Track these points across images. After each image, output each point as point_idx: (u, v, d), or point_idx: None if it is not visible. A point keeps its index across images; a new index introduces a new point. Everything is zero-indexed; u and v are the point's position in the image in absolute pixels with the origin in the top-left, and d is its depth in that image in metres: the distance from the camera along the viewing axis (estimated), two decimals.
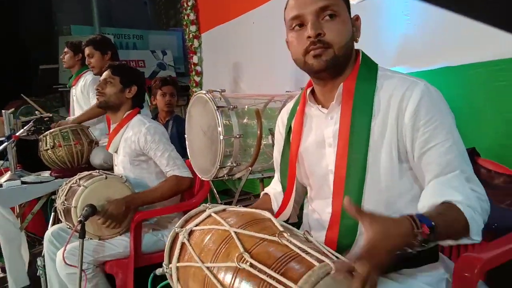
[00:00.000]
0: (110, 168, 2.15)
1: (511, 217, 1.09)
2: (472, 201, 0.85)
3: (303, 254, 0.74)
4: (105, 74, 1.98)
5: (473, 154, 1.30)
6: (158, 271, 1.05)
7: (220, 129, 1.43)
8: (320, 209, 1.09)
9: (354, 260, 0.66)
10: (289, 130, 1.16)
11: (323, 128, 1.05)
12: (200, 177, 1.64)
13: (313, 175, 1.10)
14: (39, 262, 1.98)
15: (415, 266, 0.95)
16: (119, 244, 1.77)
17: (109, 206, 1.69)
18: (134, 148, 1.88)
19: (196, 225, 0.95)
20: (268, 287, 0.70)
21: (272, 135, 1.65)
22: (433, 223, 0.75)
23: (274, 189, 1.27)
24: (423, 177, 0.94)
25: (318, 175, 1.08)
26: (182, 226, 0.99)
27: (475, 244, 1.12)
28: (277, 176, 1.28)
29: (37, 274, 2.02)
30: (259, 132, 1.48)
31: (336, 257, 0.74)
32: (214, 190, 1.90)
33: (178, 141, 2.54)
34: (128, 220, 1.76)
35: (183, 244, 0.93)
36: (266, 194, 1.29)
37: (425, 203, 0.88)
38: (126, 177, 1.87)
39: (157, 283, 1.08)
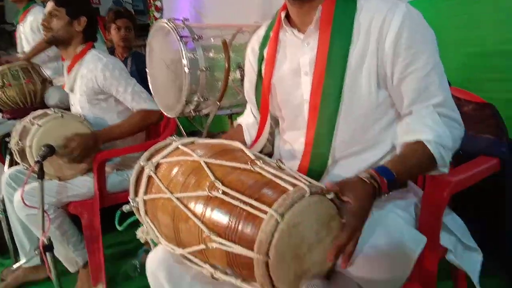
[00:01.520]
0: (67, 109, 2.02)
1: (478, 143, 1.11)
2: (442, 138, 0.87)
3: (277, 180, 0.71)
4: (49, 6, 1.77)
5: None
6: (125, 208, 1.00)
7: (185, 61, 1.33)
8: (293, 140, 1.06)
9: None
10: (261, 60, 1.09)
11: (299, 55, 0.98)
12: (166, 114, 1.56)
13: (286, 106, 1.06)
14: None
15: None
16: (82, 185, 1.71)
17: (74, 141, 1.60)
18: (92, 87, 1.75)
19: (163, 158, 0.90)
20: (242, 213, 0.68)
21: (241, 69, 1.57)
22: (394, 174, 0.80)
23: (246, 120, 1.23)
24: (400, 102, 0.93)
25: (293, 105, 1.03)
26: (148, 159, 0.93)
27: None
28: (249, 107, 1.23)
29: None
30: (226, 64, 1.39)
31: (310, 182, 0.72)
32: (182, 128, 1.83)
33: (140, 80, 2.40)
34: (90, 160, 1.68)
35: (149, 177, 0.88)
36: (239, 125, 1.25)
37: (399, 140, 0.92)
38: (85, 116, 1.76)
39: (125, 220, 1.05)
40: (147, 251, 1.94)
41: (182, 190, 0.79)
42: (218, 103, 1.38)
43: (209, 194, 0.72)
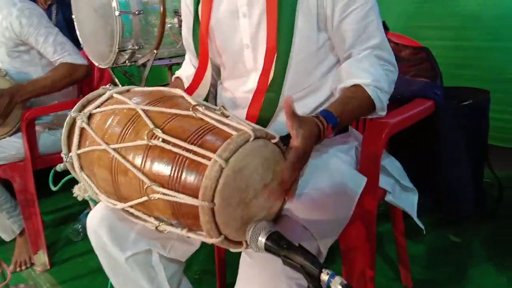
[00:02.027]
0: None
1: (414, 86, 1.15)
2: (380, 81, 0.88)
3: (220, 126, 0.68)
4: None
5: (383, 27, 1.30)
6: (59, 167, 0.93)
7: (114, 4, 1.21)
8: (234, 88, 1.03)
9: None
10: (197, 1, 1.01)
11: None
12: (97, 65, 1.43)
13: (225, 52, 1.01)
14: None
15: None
16: (10, 146, 1.57)
17: None
18: (9, 36, 1.56)
19: (97, 107, 0.83)
20: (185, 161, 0.64)
21: (178, 14, 1.47)
22: (337, 119, 0.79)
23: (186, 72, 1.16)
24: (340, 45, 0.92)
25: (232, 51, 0.98)
26: (80, 111, 0.85)
27: None
28: (188, 57, 1.16)
29: None
30: (162, 8, 1.29)
31: (253, 127, 0.70)
32: (117, 81, 1.70)
33: (67, 30, 2.18)
34: (16, 117, 1.53)
35: (82, 129, 0.81)
36: (177, 77, 1.17)
37: (338, 84, 0.91)
38: (6, 71, 1.58)
39: (60, 181, 0.98)
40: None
41: (119, 140, 0.73)
42: (155, 51, 1.28)
43: (149, 143, 0.68)
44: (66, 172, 0.91)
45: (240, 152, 0.62)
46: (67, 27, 2.29)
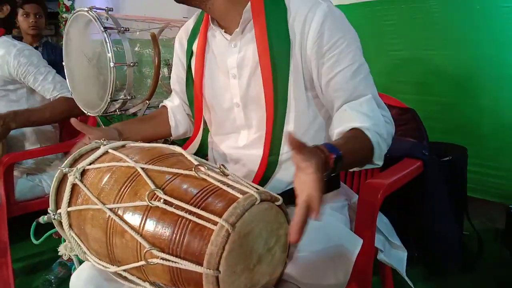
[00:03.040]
0: None
1: (402, 145, 1.18)
2: (380, 127, 0.84)
3: (224, 187, 0.67)
4: None
5: None
6: (42, 219, 0.88)
7: (109, 55, 1.22)
8: (224, 145, 1.03)
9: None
10: (190, 54, 1.03)
11: (226, 56, 0.94)
12: (86, 112, 1.41)
13: (214, 109, 1.02)
14: None
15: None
16: None
17: None
18: (1, 75, 1.56)
19: (91, 163, 0.80)
20: (188, 224, 0.62)
21: (169, 66, 1.49)
22: (340, 152, 0.72)
23: (172, 102, 1.17)
24: (331, 105, 0.91)
25: (221, 108, 0.99)
26: (71, 166, 0.83)
27: (372, 170, 1.21)
28: (174, 93, 1.17)
29: None
30: (157, 59, 1.31)
31: (257, 188, 0.69)
32: (102, 126, 1.68)
33: None
34: None
35: (74, 185, 0.78)
36: (163, 106, 1.18)
37: (337, 128, 0.86)
38: None
39: (40, 232, 0.92)
40: (62, 264, 1.77)
41: (116, 200, 0.71)
42: (147, 102, 1.29)
43: (149, 204, 0.66)
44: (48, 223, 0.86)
45: (246, 216, 0.61)
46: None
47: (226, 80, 0.96)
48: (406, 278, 1.05)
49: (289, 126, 0.92)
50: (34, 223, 0.92)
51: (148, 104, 1.31)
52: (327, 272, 0.80)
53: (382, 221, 1.10)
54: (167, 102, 1.18)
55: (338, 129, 0.85)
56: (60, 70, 1.67)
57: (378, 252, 1.03)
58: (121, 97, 1.23)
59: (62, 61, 1.52)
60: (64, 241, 0.85)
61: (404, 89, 2.07)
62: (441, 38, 1.94)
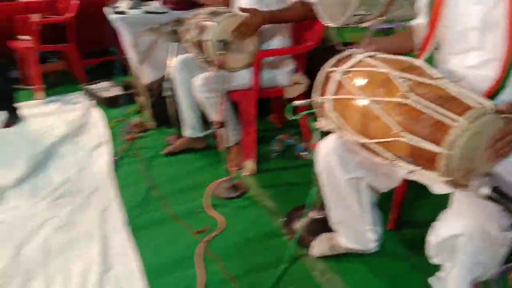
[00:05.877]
0: None
1: None
2: None
3: (461, 97, 0.89)
4: None
5: None
6: (300, 103, 1.26)
7: None
8: (452, 63, 1.15)
9: None
10: None
11: None
12: (326, 23, 1.69)
13: (449, 29, 1.14)
14: (166, 85, 2.29)
15: None
16: (243, 77, 2.02)
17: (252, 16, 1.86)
18: None
19: (352, 67, 1.10)
20: (432, 119, 0.88)
21: None
22: None
23: (417, 21, 1.29)
24: None
25: (455, 30, 1.12)
26: (334, 66, 1.14)
27: None
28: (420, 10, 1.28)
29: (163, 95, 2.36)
30: None
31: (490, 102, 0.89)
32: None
33: None
34: (251, 54, 1.95)
35: (339, 82, 1.10)
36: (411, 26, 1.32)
37: None
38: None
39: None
40: (279, 140, 2.31)
41: (372, 96, 1.01)
42: (382, 17, 1.49)
43: (403, 100, 0.93)
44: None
45: (483, 119, 0.84)
46: None
47: (466, 4, 1.09)
48: None
49: None
50: (290, 105, 1.28)
51: (382, 19, 1.52)
52: None
53: None
54: (416, 21, 1.31)
55: None
56: None
57: None
58: (361, 12, 1.46)
59: None
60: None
61: None
62: None
